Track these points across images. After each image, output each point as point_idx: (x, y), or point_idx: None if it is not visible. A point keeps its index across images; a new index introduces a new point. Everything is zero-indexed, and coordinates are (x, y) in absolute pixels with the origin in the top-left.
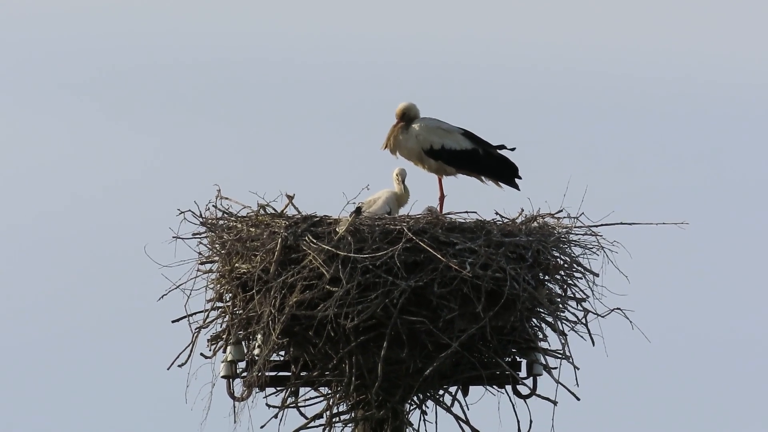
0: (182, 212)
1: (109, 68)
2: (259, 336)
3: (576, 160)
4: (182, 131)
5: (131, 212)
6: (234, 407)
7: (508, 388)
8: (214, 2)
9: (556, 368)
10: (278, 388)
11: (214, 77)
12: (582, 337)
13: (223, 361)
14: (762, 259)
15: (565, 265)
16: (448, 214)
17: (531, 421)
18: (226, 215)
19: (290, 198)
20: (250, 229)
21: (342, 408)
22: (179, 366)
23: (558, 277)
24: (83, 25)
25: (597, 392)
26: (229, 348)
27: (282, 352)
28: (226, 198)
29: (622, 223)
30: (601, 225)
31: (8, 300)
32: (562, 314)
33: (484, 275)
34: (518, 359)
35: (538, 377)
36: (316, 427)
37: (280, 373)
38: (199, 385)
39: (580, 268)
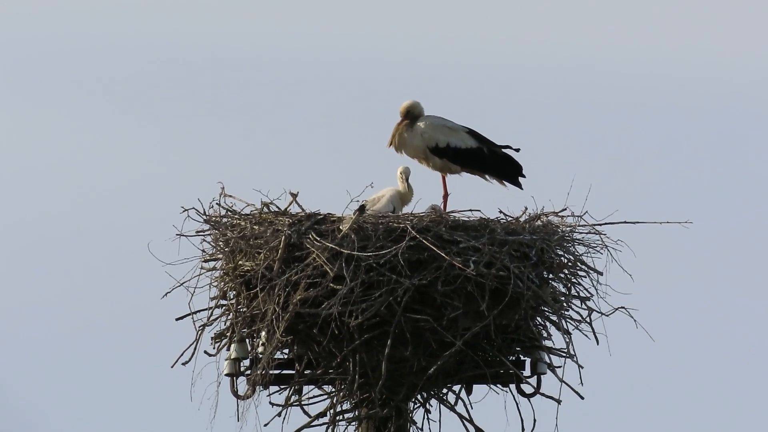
0: (186, 210)
1: (114, 67)
2: (262, 334)
3: (580, 159)
4: (186, 129)
5: (135, 210)
6: (238, 406)
7: (512, 386)
8: (223, 1)
9: (560, 367)
10: (282, 386)
11: (218, 76)
12: (586, 335)
13: (226, 359)
14: (766, 258)
15: (569, 264)
16: (452, 212)
17: (535, 420)
18: (229, 213)
19: (294, 196)
20: (254, 226)
21: (346, 406)
22: (183, 364)
23: (562, 275)
24: (89, 24)
25: (601, 391)
26: (233, 346)
27: (286, 350)
28: (230, 196)
29: (626, 222)
30: (605, 224)
31: (12, 298)
32: (566, 313)
33: (488, 273)
34: (522, 358)
35: (542, 376)
36: (320, 425)
37: (284, 371)
38: (205, 384)
39: (584, 267)
